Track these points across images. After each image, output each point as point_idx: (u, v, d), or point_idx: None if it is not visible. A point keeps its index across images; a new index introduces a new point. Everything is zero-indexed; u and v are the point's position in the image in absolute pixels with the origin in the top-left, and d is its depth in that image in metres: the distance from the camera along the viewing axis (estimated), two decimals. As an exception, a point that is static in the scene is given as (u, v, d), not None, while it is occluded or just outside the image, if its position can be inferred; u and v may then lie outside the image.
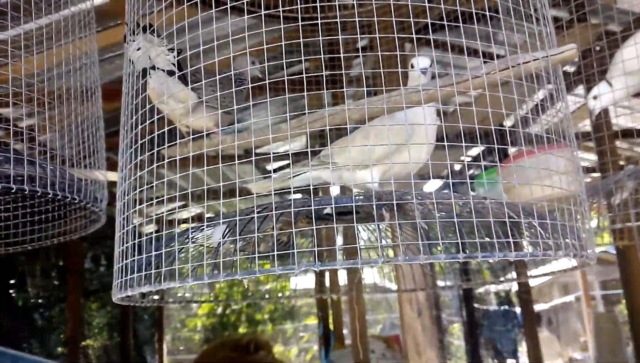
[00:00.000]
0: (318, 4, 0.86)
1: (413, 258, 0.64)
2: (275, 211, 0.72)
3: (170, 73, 1.08)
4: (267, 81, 0.96)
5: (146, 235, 0.91)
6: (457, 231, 0.69)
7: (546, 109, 0.98)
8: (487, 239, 0.66)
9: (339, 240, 1.62)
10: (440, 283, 2.24)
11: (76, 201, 1.30)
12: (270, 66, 0.95)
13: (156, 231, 0.92)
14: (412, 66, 1.07)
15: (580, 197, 0.87)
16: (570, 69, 2.65)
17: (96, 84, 1.59)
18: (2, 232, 1.64)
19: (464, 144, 0.75)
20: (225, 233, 0.85)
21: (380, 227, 1.18)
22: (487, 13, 0.85)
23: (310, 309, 9.50)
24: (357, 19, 0.77)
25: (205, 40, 0.93)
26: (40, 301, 5.45)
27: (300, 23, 0.95)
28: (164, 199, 0.88)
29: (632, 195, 1.54)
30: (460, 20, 1.08)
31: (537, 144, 0.84)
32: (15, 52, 1.31)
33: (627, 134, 3.31)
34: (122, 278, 0.81)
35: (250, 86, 1.05)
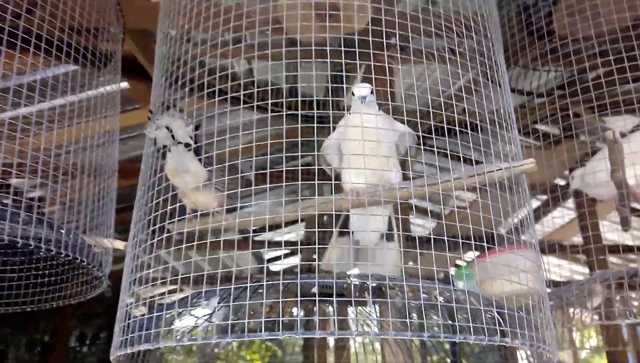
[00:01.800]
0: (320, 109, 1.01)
1: (401, 333, 0.71)
2: (265, 283, 0.81)
3: (187, 146, 1.22)
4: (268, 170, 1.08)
5: (141, 315, 0.99)
6: (422, 313, 0.77)
7: (513, 216, 1.10)
8: (449, 322, 0.74)
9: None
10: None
11: (84, 264, 1.39)
12: (275, 157, 1.08)
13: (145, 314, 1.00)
14: (354, 94, 1.21)
15: (541, 295, 0.96)
16: (562, 182, 2.80)
17: (115, 161, 1.74)
18: (5, 292, 1.70)
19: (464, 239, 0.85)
20: (219, 303, 0.93)
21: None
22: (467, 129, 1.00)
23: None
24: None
25: (216, 129, 1.07)
26: (20, 376, 5.25)
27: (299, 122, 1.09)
28: (159, 281, 0.97)
29: (615, 295, 1.61)
30: (446, 131, 1.23)
31: (508, 244, 0.94)
32: (42, 126, 1.45)
33: (615, 250, 3.38)
34: (122, 336, 0.88)
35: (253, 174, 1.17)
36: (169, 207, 0.99)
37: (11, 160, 1.41)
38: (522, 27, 1.93)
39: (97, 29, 1.71)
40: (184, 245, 0.98)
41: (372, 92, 1.22)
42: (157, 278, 1.09)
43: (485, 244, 0.94)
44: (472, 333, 0.74)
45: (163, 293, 1.13)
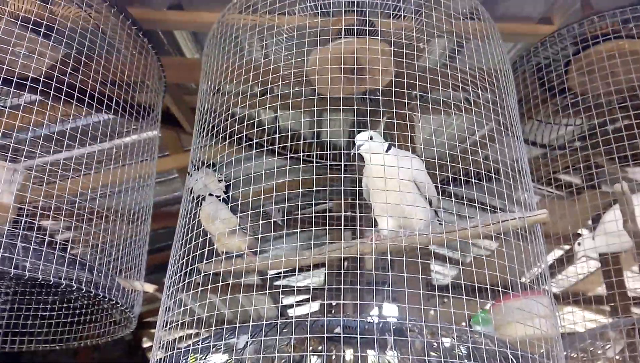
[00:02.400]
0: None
1: None
2: (294, 321, 0.87)
3: (219, 197, 1.31)
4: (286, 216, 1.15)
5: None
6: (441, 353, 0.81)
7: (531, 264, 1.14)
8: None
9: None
10: None
11: (117, 305, 1.45)
12: (297, 204, 1.16)
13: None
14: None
15: (555, 340, 0.99)
16: (585, 232, 2.80)
17: (149, 205, 1.83)
18: (41, 330, 1.78)
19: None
20: (248, 342, 0.98)
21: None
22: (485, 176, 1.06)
23: None
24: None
25: (242, 174, 1.16)
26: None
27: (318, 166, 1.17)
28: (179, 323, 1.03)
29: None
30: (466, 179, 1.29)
31: (524, 290, 0.99)
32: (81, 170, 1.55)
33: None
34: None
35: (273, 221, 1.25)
36: (199, 250, 1.06)
37: (49, 203, 1.51)
38: (538, 85, 2.02)
39: (142, 83, 1.84)
40: (208, 286, 1.05)
41: (371, 138, 1.29)
42: (180, 322, 1.15)
43: (502, 290, 0.98)
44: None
45: (183, 337, 1.19)
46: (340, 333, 0.94)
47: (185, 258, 1.08)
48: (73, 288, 1.28)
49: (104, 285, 1.38)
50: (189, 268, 1.08)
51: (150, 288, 1.73)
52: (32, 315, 1.79)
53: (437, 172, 1.20)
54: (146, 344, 6.20)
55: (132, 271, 1.69)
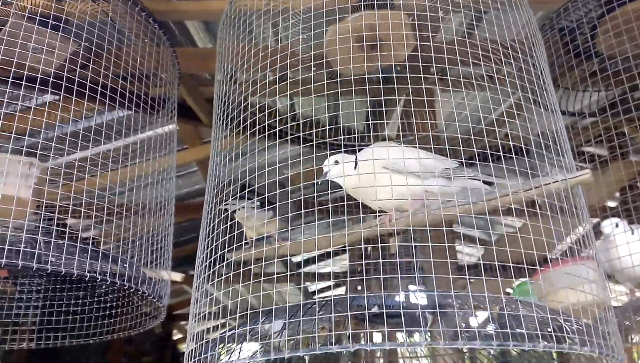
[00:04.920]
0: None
1: (452, 343, 0.73)
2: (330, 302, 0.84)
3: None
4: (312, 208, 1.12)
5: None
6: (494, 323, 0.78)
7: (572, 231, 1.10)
8: (518, 330, 0.75)
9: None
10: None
11: (145, 295, 1.45)
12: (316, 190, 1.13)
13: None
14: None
15: (607, 304, 0.95)
16: (612, 204, 2.73)
17: (171, 197, 1.82)
18: (74, 325, 1.79)
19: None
20: (285, 324, 0.96)
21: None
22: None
23: None
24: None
25: (263, 163, 1.14)
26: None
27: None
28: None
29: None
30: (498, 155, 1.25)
31: (570, 256, 0.95)
32: (106, 165, 1.54)
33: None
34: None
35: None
36: (227, 237, 1.05)
37: (78, 200, 1.50)
38: (564, 52, 1.95)
39: (155, 75, 1.83)
40: (230, 274, 1.03)
41: (335, 162, 1.28)
42: (210, 312, 1.14)
43: (530, 268, 0.94)
44: (527, 340, 0.74)
45: (213, 327, 1.18)
46: (383, 310, 0.91)
47: (212, 247, 1.06)
48: (98, 280, 1.27)
49: (129, 276, 1.37)
50: (215, 256, 1.06)
51: (177, 277, 1.73)
52: (64, 311, 1.80)
53: (461, 148, 1.16)
54: (176, 336, 6.28)
55: (158, 262, 1.68)
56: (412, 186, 1.09)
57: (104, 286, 1.52)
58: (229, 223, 1.14)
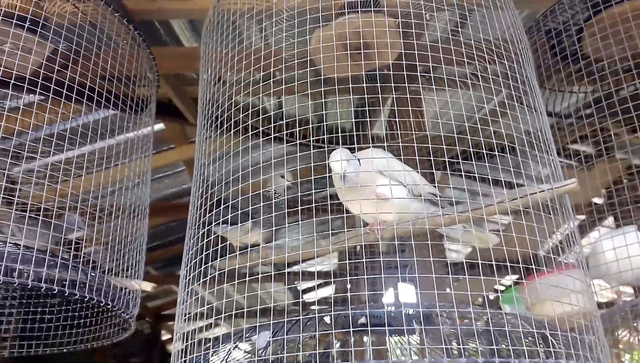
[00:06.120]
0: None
1: (437, 360, 0.72)
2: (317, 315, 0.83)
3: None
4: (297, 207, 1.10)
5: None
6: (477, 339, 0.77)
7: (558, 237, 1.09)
8: (504, 346, 0.74)
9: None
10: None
11: (109, 307, 1.41)
12: (303, 190, 1.11)
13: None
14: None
15: (593, 315, 0.94)
16: (599, 201, 2.75)
17: (146, 203, 1.77)
18: (41, 333, 1.75)
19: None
20: (270, 338, 0.95)
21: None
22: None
23: None
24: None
25: (246, 165, 1.12)
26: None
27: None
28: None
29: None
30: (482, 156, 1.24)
31: (555, 265, 0.94)
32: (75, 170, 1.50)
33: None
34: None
35: (286, 198, 1.20)
36: (211, 248, 1.03)
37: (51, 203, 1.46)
38: (550, 54, 1.95)
39: (134, 77, 1.79)
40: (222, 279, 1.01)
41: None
42: (198, 312, 1.12)
43: (524, 266, 0.93)
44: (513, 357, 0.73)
45: (202, 328, 1.16)
46: (367, 326, 0.90)
47: (200, 256, 1.04)
48: (54, 291, 1.24)
49: (91, 287, 1.33)
50: (204, 264, 1.04)
51: (147, 286, 1.68)
52: (39, 319, 1.76)
53: (445, 147, 1.15)
54: (165, 337, 6.24)
55: (130, 271, 1.63)
56: (397, 199, 1.09)
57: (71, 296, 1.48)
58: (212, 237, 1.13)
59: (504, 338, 0.76)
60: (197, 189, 1.34)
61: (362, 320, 0.95)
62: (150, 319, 5.68)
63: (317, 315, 0.83)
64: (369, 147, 1.30)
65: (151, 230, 2.07)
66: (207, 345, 1.05)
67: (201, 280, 1.09)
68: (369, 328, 0.91)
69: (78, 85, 1.49)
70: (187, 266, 1.17)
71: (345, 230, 1.14)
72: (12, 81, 1.39)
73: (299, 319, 0.82)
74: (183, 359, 1.05)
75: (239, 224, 1.23)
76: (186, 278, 1.16)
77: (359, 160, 1.16)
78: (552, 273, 0.96)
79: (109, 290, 1.43)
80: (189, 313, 1.15)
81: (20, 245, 1.33)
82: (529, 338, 0.77)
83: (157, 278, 4.67)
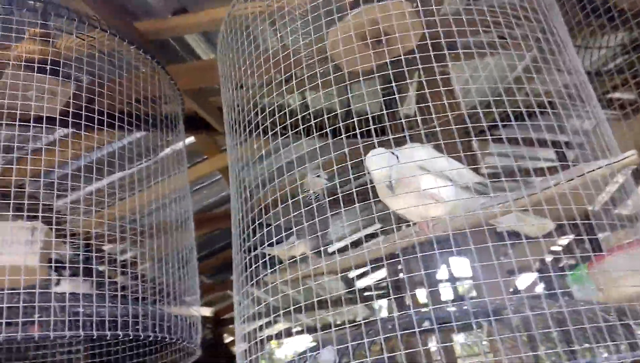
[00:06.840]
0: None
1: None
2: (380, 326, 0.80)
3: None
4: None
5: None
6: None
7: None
8: (586, 345, 0.69)
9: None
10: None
11: (175, 341, 1.40)
12: (340, 179, 1.09)
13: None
14: None
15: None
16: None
17: (188, 215, 1.76)
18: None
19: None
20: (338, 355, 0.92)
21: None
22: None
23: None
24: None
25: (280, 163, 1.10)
26: None
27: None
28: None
29: None
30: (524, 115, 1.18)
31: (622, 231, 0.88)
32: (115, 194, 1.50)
33: None
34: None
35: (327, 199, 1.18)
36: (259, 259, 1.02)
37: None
38: (582, 6, 1.85)
39: (158, 98, 1.79)
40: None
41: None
42: (260, 314, 1.12)
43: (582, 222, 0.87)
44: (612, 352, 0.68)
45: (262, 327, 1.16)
46: (434, 326, 0.86)
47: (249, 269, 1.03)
48: (120, 336, 1.24)
49: (153, 324, 1.33)
50: (254, 277, 1.03)
51: (207, 312, 1.66)
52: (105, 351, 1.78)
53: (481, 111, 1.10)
54: (227, 339, 6.37)
55: (183, 288, 1.61)
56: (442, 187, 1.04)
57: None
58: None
59: (584, 334, 0.71)
60: (238, 197, 1.34)
61: (426, 323, 0.91)
62: (210, 325, 5.81)
63: (379, 321, 0.80)
64: (404, 137, 1.26)
65: (197, 240, 2.08)
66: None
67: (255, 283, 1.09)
68: (435, 326, 0.88)
69: (107, 113, 1.50)
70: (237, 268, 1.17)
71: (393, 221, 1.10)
72: (44, 125, 1.41)
73: (361, 323, 0.80)
74: (248, 359, 1.05)
75: (285, 242, 1.21)
76: (239, 280, 1.16)
77: (397, 156, 1.12)
78: (622, 250, 0.90)
79: (171, 323, 1.42)
80: (245, 314, 1.16)
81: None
82: (612, 332, 0.72)
83: (211, 286, 4.76)
